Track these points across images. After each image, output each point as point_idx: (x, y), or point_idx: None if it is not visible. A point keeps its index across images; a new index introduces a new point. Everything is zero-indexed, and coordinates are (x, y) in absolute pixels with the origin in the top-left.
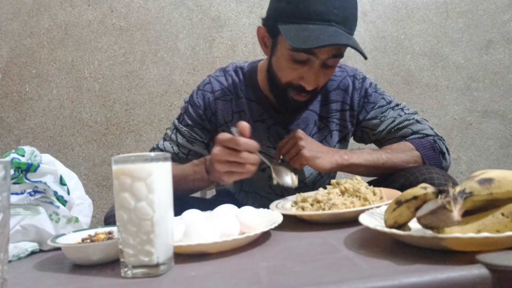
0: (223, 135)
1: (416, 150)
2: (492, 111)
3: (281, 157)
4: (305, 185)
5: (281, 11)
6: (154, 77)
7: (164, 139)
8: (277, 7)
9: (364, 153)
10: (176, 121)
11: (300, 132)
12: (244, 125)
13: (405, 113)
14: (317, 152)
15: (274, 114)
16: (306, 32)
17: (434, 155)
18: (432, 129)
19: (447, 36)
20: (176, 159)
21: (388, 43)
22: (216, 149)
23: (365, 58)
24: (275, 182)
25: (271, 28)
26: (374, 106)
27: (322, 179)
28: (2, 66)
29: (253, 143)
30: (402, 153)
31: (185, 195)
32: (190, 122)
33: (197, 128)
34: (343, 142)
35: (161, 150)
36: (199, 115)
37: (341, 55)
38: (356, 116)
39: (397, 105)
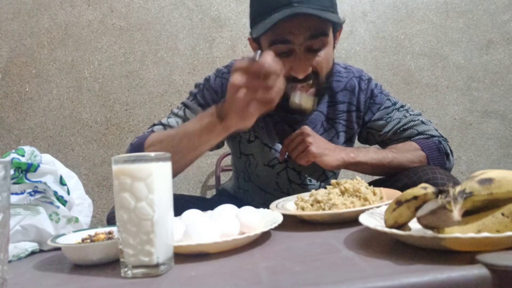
0: (241, 61)
1: (421, 150)
2: (492, 111)
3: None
4: (310, 182)
5: (251, 16)
6: (154, 77)
7: (168, 117)
8: (249, 14)
9: (370, 152)
10: (186, 101)
11: (307, 129)
12: (269, 52)
13: (410, 114)
14: (324, 149)
15: (282, 113)
16: (268, 20)
17: (439, 156)
18: (436, 130)
19: (447, 36)
20: None
21: (388, 43)
22: (236, 76)
23: (342, 22)
24: (292, 104)
25: (253, 35)
26: (380, 107)
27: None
28: (2, 66)
29: (277, 64)
30: (407, 153)
31: (186, 163)
32: (203, 102)
33: None
34: (348, 143)
35: (164, 126)
36: (214, 100)
37: (322, 34)
38: (362, 117)
39: (402, 106)
